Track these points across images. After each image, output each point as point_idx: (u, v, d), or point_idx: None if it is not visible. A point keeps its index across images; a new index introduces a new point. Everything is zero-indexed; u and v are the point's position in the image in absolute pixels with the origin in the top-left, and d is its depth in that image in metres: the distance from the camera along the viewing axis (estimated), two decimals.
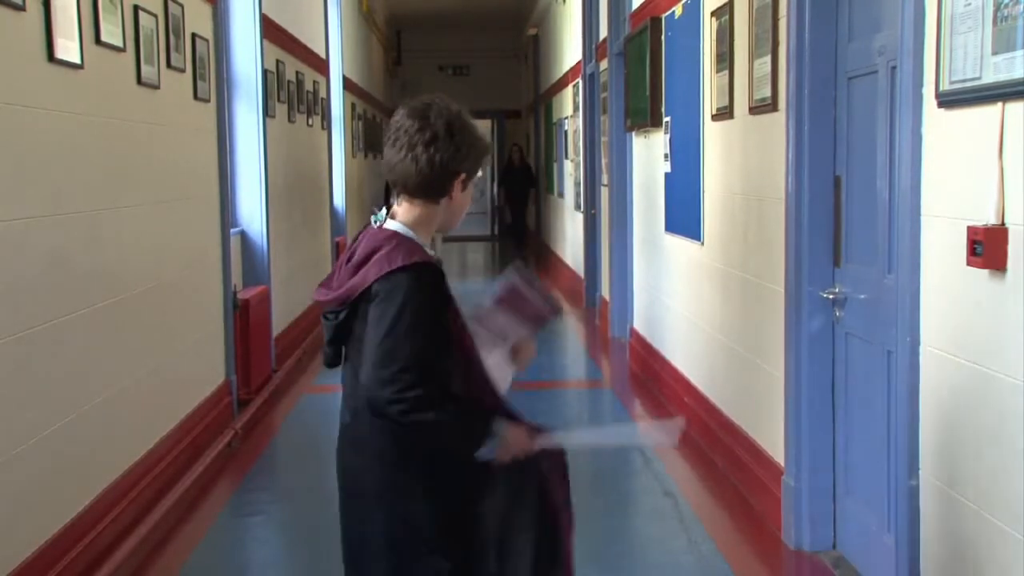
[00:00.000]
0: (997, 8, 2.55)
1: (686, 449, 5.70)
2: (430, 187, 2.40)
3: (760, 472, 4.66)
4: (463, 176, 2.43)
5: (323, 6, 11.08)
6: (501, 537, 2.47)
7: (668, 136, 6.57)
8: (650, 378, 7.25)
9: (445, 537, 2.44)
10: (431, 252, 2.47)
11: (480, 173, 2.49)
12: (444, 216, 2.48)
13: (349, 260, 2.43)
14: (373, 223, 2.45)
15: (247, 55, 7.31)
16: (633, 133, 8.03)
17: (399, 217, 2.45)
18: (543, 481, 2.50)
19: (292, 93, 8.85)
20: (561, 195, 14.39)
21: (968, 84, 2.70)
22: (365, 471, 2.45)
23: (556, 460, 2.54)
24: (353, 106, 13.54)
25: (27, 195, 3.70)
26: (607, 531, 4.60)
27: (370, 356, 2.29)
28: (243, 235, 7.31)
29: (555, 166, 15.23)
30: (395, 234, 2.41)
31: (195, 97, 5.82)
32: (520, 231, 17.90)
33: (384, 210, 2.46)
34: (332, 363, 2.54)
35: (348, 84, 12.81)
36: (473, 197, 2.57)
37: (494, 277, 14.37)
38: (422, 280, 2.32)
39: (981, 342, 2.75)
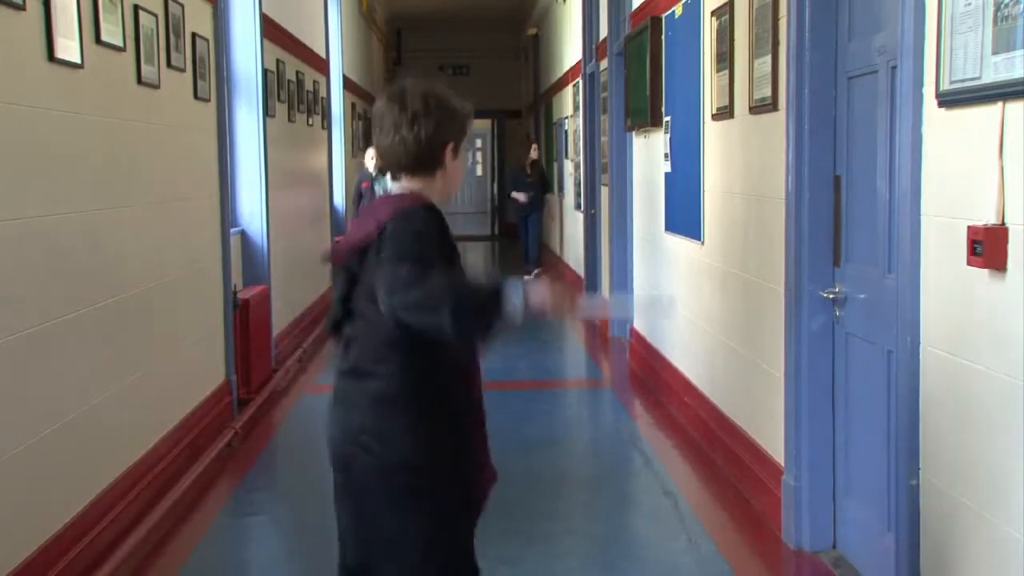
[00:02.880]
0: (997, 8, 2.55)
1: (686, 449, 5.71)
2: (422, 162, 2.54)
3: (760, 472, 4.66)
4: (451, 144, 2.57)
5: (323, 6, 11.08)
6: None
7: (668, 136, 6.57)
8: (650, 378, 7.25)
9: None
10: None
11: (468, 147, 2.63)
12: (441, 185, 2.59)
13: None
14: (379, 190, 2.56)
15: (247, 55, 7.31)
16: (633, 133, 8.04)
17: (403, 187, 2.58)
18: None
19: (292, 93, 8.85)
20: (561, 195, 14.40)
21: (968, 84, 2.70)
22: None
23: None
24: (353, 106, 13.55)
25: (27, 195, 3.70)
26: (607, 531, 4.60)
27: (384, 285, 2.35)
28: (243, 235, 7.31)
29: (555, 166, 15.23)
30: (405, 191, 2.56)
31: (195, 97, 5.82)
32: (535, 252, 14.02)
33: (388, 176, 2.59)
34: (335, 324, 2.59)
35: (348, 84, 12.82)
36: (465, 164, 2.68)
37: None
38: (430, 214, 2.46)
39: (981, 342, 2.75)
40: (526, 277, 12.83)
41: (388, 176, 2.61)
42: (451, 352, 2.48)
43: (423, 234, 2.40)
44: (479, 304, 2.31)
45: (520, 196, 13.83)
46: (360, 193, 9.25)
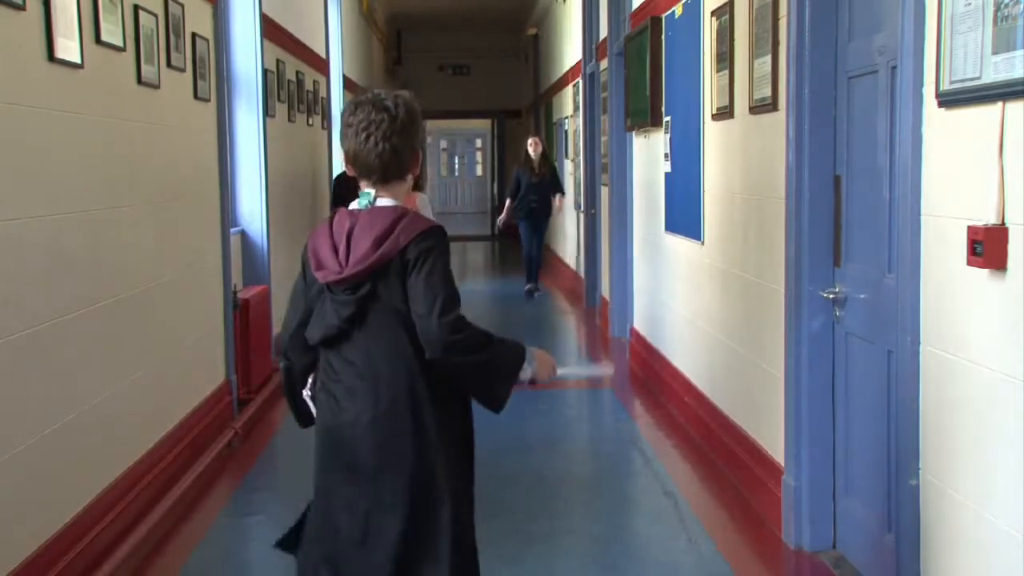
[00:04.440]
0: (997, 8, 2.55)
1: (686, 449, 5.71)
2: (406, 167, 2.70)
3: (760, 472, 4.66)
4: (418, 151, 2.74)
5: (323, 6, 11.08)
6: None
7: (668, 136, 6.57)
8: (650, 378, 7.25)
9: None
10: None
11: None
12: (408, 187, 2.75)
13: (348, 240, 2.61)
14: (365, 204, 2.66)
15: (247, 55, 7.31)
16: (633, 133, 8.04)
17: (388, 199, 2.69)
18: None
19: (292, 93, 8.85)
20: (561, 195, 14.36)
21: (968, 84, 2.70)
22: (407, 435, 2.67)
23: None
24: None
25: (27, 195, 3.70)
26: (607, 531, 4.60)
27: (429, 306, 2.55)
28: (243, 235, 7.31)
29: (555, 166, 15.22)
30: (401, 207, 2.67)
31: (195, 97, 5.82)
32: (536, 259, 12.19)
33: (372, 192, 2.68)
34: (337, 335, 2.72)
35: (348, 84, 12.81)
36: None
37: (493, 278, 14.35)
38: (445, 239, 2.64)
39: (981, 342, 2.75)
40: (528, 288, 12.74)
41: (369, 184, 2.68)
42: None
43: (445, 263, 2.63)
44: (510, 362, 2.68)
45: (504, 214, 12.15)
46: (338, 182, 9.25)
